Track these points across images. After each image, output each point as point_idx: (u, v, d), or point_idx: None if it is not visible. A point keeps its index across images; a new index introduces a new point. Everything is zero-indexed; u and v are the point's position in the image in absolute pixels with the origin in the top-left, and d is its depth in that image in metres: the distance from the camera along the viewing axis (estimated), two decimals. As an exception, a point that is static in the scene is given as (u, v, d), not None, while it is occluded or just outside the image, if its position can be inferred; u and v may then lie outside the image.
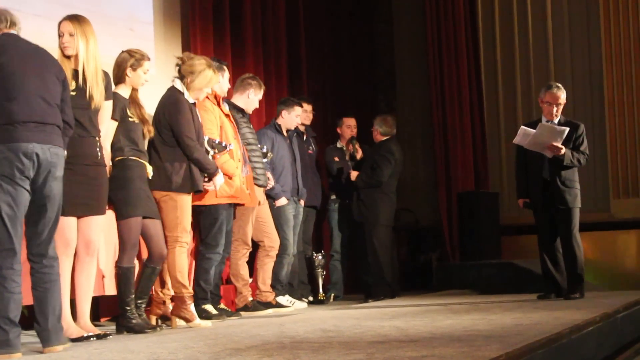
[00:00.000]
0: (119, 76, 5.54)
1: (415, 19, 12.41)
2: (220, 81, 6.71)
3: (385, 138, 8.72)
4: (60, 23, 5.02)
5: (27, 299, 4.60)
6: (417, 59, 12.36)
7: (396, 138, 8.86)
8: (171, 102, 5.92)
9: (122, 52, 5.60)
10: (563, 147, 7.05)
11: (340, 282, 9.06)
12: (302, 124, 8.61)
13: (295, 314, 6.81)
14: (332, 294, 8.90)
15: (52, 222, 4.39)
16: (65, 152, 4.52)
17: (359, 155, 8.93)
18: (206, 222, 6.41)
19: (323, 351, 3.83)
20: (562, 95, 7.30)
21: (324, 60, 11.04)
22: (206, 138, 6.12)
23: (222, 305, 6.78)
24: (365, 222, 8.58)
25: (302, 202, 8.17)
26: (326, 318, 6.10)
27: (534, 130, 7.08)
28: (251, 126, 7.39)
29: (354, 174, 8.57)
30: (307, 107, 8.71)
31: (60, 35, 4.99)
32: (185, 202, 5.88)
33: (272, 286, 7.55)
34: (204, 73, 6.00)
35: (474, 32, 11.88)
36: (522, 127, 7.29)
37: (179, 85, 5.99)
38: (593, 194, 11.24)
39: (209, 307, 6.37)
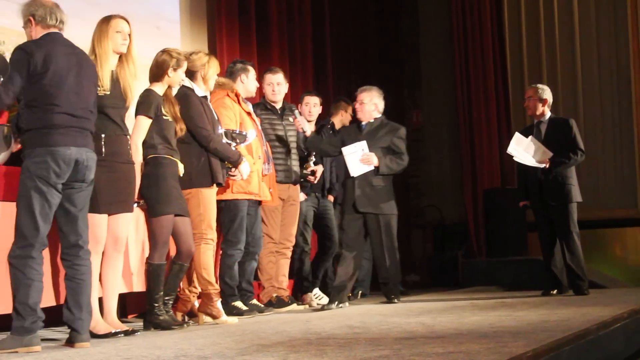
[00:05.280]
0: (158, 75, 5.57)
1: (441, 16, 12.40)
2: (245, 82, 6.79)
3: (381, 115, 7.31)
4: (116, 19, 4.99)
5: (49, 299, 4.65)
6: (443, 56, 12.36)
7: None
8: (179, 98, 5.87)
9: (163, 52, 5.61)
10: (547, 162, 7.47)
11: (367, 280, 9.01)
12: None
13: (321, 311, 6.82)
14: (360, 291, 8.87)
15: (81, 217, 4.54)
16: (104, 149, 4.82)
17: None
18: (226, 218, 6.38)
19: (349, 347, 3.84)
20: (531, 92, 7.78)
21: (349, 58, 11.05)
22: (222, 130, 6.10)
23: (254, 301, 6.71)
24: (380, 214, 7.09)
25: (330, 198, 8.06)
26: (352, 314, 6.11)
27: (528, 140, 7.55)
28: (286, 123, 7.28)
29: (375, 159, 7.00)
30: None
31: (118, 32, 4.96)
32: (207, 198, 5.88)
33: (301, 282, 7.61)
34: (211, 61, 6.09)
35: (499, 28, 11.85)
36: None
37: (187, 82, 6.00)
38: (620, 190, 11.18)
39: (238, 304, 6.35)
